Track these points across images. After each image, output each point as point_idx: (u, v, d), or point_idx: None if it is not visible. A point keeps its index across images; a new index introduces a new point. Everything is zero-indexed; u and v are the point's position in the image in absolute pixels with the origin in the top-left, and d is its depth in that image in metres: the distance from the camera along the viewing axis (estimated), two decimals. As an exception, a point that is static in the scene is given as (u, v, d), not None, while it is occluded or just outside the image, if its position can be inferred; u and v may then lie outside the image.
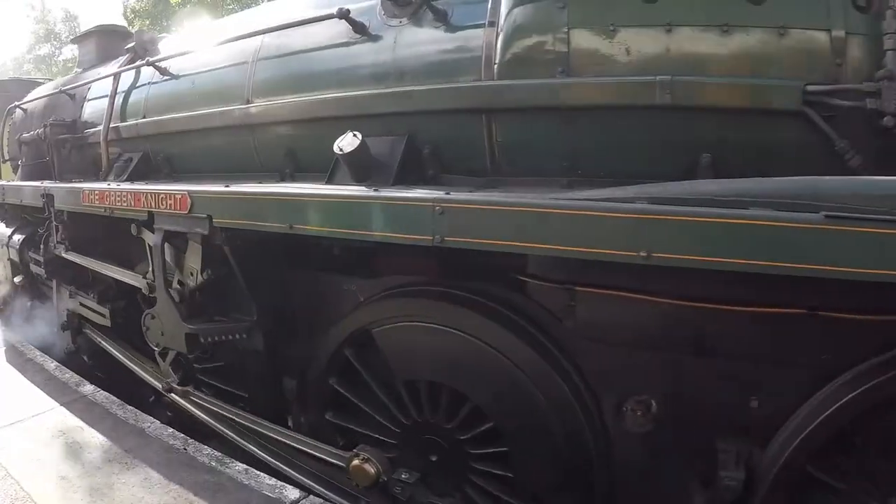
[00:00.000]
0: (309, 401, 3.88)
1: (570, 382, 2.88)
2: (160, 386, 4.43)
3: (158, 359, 4.40)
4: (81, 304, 5.36)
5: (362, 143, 3.13)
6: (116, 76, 5.21)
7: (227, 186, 3.57)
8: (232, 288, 3.93)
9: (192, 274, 3.90)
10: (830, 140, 2.41)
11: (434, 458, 3.32)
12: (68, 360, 5.67)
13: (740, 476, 2.49)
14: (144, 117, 4.90)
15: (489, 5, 3.02)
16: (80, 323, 5.59)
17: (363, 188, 3.01)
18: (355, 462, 3.26)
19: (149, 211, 3.94)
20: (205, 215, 3.55)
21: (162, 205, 3.81)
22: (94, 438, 4.09)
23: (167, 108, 4.71)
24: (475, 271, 3.07)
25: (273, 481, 3.56)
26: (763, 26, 2.48)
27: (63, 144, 5.73)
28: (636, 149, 2.69)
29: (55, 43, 35.09)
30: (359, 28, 3.50)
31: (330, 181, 3.42)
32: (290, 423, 4.03)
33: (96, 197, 4.36)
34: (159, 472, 3.61)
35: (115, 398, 4.70)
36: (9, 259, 6.33)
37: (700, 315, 2.47)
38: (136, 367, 4.80)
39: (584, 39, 2.67)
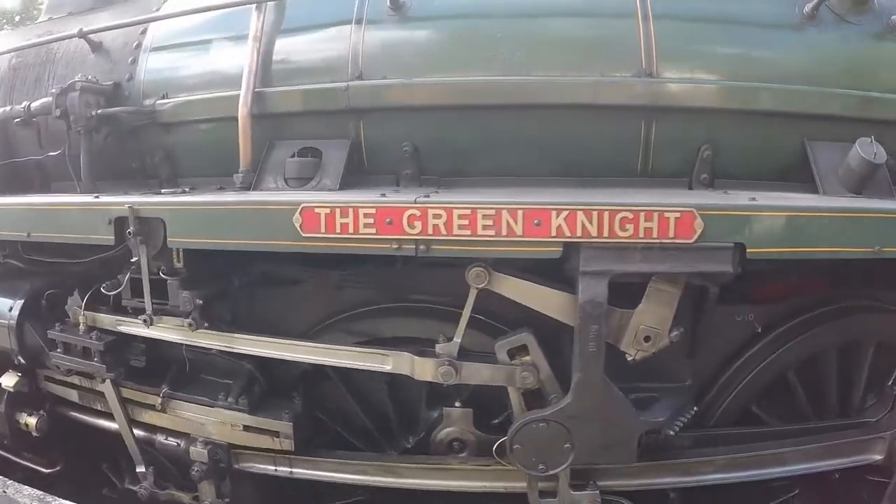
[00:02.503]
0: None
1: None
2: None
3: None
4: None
5: None
6: (261, 7, 2.76)
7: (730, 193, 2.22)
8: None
9: (646, 339, 2.18)
10: None
11: None
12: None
13: None
14: (360, 77, 2.66)
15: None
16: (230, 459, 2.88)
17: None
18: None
19: (565, 242, 2.06)
20: (730, 244, 1.99)
21: (620, 229, 2.03)
22: None
23: (417, 67, 2.64)
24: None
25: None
26: None
27: (97, 126, 2.87)
28: None
29: None
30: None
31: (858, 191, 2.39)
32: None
33: (387, 218, 2.14)
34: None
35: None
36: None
37: None
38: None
39: None
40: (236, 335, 2.60)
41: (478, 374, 2.38)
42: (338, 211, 2.18)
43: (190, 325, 2.51)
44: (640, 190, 2.56)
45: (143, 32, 3.04)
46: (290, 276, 2.99)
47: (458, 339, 2.35)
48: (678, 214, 2.03)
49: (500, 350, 2.30)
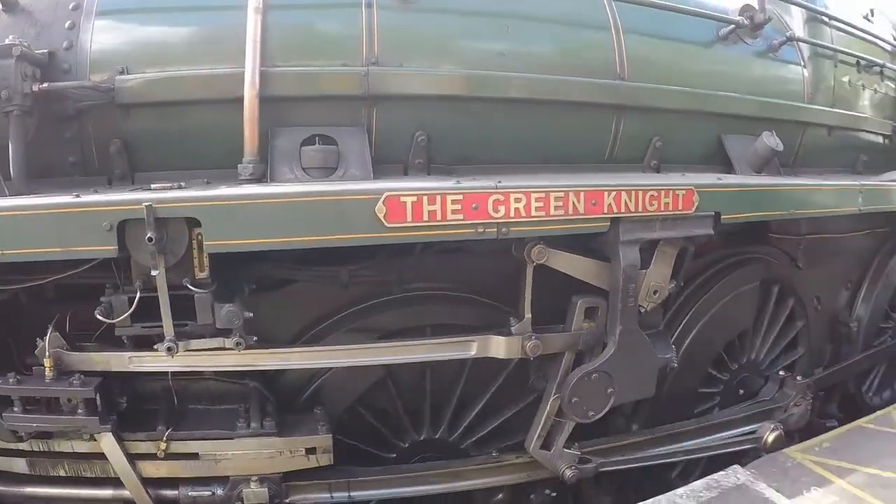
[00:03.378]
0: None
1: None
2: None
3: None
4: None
5: None
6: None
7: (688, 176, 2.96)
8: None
9: (655, 292, 2.72)
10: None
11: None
12: None
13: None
14: (376, 63, 2.55)
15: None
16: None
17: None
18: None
19: (612, 218, 2.47)
20: (712, 213, 2.68)
21: (648, 207, 2.51)
22: None
23: (427, 58, 2.70)
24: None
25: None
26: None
27: (31, 108, 2.13)
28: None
29: None
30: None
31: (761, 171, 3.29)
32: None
33: (473, 204, 2.20)
34: None
35: None
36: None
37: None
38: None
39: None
40: (298, 349, 2.33)
41: (554, 343, 2.63)
42: (425, 199, 2.16)
43: (238, 344, 2.14)
44: (608, 174, 3.07)
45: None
46: (288, 277, 2.76)
47: (528, 315, 2.55)
48: (684, 192, 2.58)
49: (581, 306, 2.60)
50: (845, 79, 3.94)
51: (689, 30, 3.26)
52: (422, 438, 3.06)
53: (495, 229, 2.28)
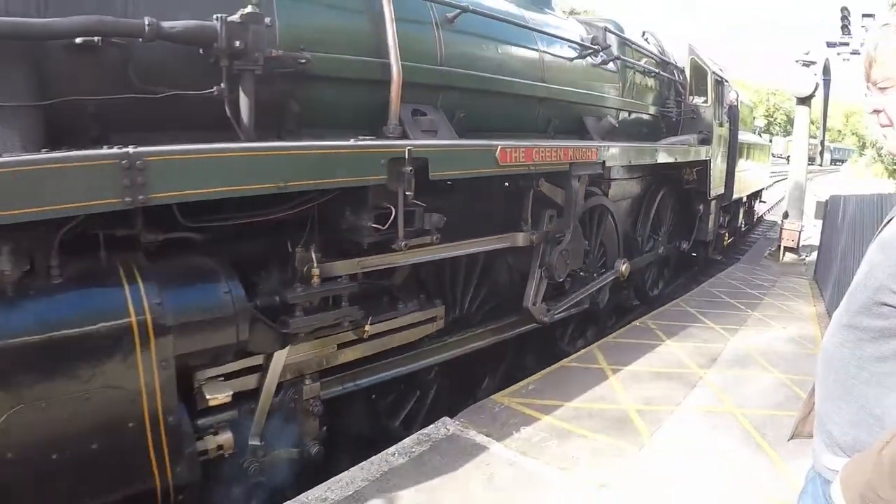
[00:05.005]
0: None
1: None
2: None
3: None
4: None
5: None
6: (380, -7, 3.24)
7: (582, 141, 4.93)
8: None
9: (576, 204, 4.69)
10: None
11: None
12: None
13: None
14: (443, 64, 3.69)
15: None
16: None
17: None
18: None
19: (571, 163, 4.29)
20: (602, 160, 4.81)
21: (583, 157, 4.45)
22: None
23: (460, 62, 3.95)
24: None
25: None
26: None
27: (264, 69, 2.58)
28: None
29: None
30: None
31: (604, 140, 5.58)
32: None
33: (528, 153, 3.75)
34: None
35: None
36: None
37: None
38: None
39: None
40: (456, 242, 3.45)
41: (543, 235, 4.32)
42: (513, 150, 3.54)
43: (436, 239, 3.19)
44: (539, 139, 4.84)
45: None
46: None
47: (530, 220, 4.18)
48: (594, 149, 4.56)
49: (549, 215, 4.39)
50: (638, 81, 6.61)
51: (569, 52, 5.25)
52: (457, 314, 4.35)
53: (534, 168, 3.83)
